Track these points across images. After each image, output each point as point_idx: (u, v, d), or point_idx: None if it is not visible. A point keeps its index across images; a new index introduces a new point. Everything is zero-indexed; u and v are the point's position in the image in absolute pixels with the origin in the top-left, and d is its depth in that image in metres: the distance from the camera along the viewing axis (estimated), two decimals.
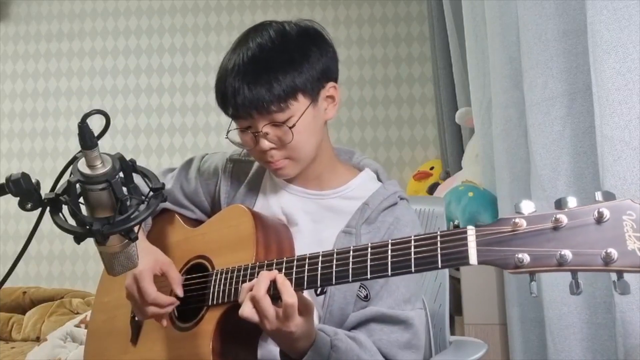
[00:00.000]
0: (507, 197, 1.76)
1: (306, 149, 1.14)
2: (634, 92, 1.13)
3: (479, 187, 2.13)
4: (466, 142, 2.63)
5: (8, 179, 0.78)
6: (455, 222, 2.04)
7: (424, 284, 1.47)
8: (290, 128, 1.09)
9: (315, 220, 1.19)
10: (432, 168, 3.08)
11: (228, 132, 1.14)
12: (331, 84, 1.16)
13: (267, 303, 0.92)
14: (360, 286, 1.12)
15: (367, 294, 1.12)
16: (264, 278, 0.93)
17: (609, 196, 0.73)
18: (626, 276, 0.70)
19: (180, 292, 1.14)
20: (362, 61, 3.44)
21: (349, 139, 3.40)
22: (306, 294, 1.00)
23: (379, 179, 1.26)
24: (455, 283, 1.93)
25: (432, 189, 2.87)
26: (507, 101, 1.73)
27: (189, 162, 1.35)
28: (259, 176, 1.26)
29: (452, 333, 1.49)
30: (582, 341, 1.36)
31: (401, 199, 1.21)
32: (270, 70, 1.08)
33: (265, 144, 1.10)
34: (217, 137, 3.53)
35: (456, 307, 1.97)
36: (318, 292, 1.13)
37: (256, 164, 1.27)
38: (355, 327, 1.11)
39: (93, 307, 1.43)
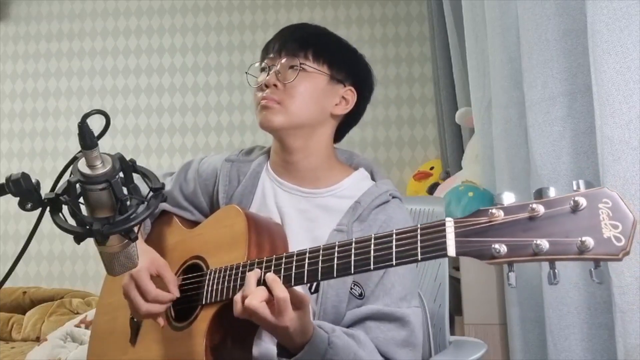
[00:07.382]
0: None
1: (299, 106, 1.19)
2: (634, 92, 1.13)
3: (479, 187, 2.13)
4: (466, 142, 2.63)
5: (8, 179, 0.78)
6: None
7: (424, 284, 1.47)
8: (298, 71, 1.18)
9: (309, 218, 1.21)
10: (432, 168, 3.09)
11: (248, 70, 1.29)
12: (353, 88, 1.27)
13: (261, 308, 0.94)
14: (354, 284, 1.13)
15: (361, 292, 1.13)
16: (258, 293, 0.95)
17: (589, 185, 0.72)
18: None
19: (176, 292, 1.15)
20: None
21: (349, 139, 3.34)
22: (301, 290, 1.01)
23: (373, 179, 1.27)
24: (455, 283, 1.93)
25: (432, 189, 2.87)
26: (507, 101, 1.73)
27: (188, 164, 1.38)
28: (256, 176, 1.28)
29: (452, 333, 1.49)
30: (582, 341, 1.36)
31: (393, 197, 1.22)
32: (317, 35, 1.27)
33: (272, 77, 1.20)
34: (217, 137, 3.53)
35: (456, 307, 1.97)
36: (312, 289, 1.14)
37: (253, 165, 1.30)
38: (351, 325, 1.12)
39: (97, 308, 1.45)
